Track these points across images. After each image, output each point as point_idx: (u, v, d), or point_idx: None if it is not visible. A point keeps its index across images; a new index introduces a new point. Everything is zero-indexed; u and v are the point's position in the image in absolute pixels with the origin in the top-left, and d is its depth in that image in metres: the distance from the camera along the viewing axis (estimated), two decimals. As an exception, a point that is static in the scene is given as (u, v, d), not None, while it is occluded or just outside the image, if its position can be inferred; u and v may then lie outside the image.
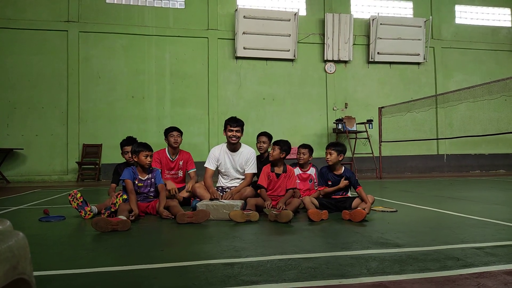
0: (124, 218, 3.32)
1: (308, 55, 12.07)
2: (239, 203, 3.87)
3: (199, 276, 1.94)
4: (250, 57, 11.58)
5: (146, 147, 3.95)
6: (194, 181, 4.76)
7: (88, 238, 2.99)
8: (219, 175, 4.81)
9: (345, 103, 12.22)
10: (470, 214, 3.83)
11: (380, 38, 12.14)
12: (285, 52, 11.65)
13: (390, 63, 12.55)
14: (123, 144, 4.55)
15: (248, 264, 2.14)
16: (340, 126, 11.26)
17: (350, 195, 4.21)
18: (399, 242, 2.65)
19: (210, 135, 11.26)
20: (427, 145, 12.65)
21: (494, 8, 13.81)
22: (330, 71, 12.16)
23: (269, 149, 4.47)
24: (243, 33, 11.23)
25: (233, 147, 4.61)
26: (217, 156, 4.67)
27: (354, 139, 11.58)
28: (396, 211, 4.13)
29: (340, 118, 11.45)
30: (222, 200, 3.99)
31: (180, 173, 5.06)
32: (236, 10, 11.23)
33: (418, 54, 12.52)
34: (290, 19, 11.48)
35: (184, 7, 11.47)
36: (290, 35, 11.54)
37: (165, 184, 4.48)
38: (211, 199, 4.07)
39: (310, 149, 4.64)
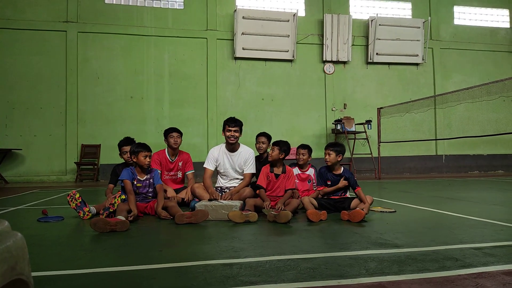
0: (122, 218, 3.31)
1: (307, 56, 12.08)
2: (238, 203, 3.86)
3: (198, 276, 1.94)
4: (249, 58, 11.58)
5: (145, 147, 3.95)
6: (192, 185, 4.74)
7: (87, 239, 2.99)
8: (218, 176, 4.81)
9: (344, 104, 12.24)
10: (468, 215, 3.84)
11: (379, 39, 12.15)
12: (284, 53, 11.66)
13: (389, 63, 12.57)
14: (121, 144, 4.54)
15: (247, 265, 2.13)
16: (339, 127, 11.26)
17: (349, 196, 4.21)
18: (398, 242, 2.65)
19: (209, 136, 11.26)
20: (426, 146, 12.66)
21: (492, 9, 13.84)
22: (329, 71, 12.18)
23: (268, 150, 4.47)
24: (242, 33, 11.24)
25: (232, 147, 4.61)
26: (216, 156, 4.67)
27: (353, 140, 11.59)
28: (395, 211, 4.13)
29: (339, 118, 11.46)
30: (221, 201, 3.99)
31: (179, 174, 5.05)
32: (235, 10, 11.23)
33: (417, 55, 12.53)
34: (289, 20, 11.49)
35: (183, 8, 11.47)
36: (289, 35, 11.55)
37: (165, 191, 4.49)
38: (210, 200, 4.07)
39: (309, 149, 4.64)
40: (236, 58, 11.56)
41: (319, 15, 12.21)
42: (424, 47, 12.58)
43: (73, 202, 3.88)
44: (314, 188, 4.53)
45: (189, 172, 5.05)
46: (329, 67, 12.17)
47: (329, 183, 4.14)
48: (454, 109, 11.14)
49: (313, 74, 12.14)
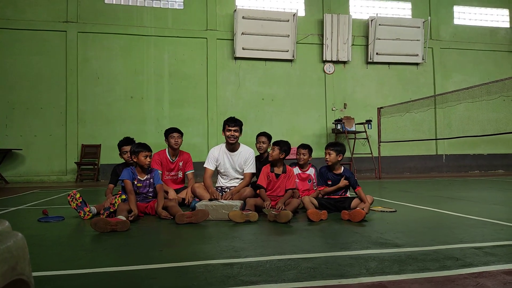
0: (123, 218, 3.31)
1: (307, 56, 12.08)
2: (238, 203, 3.86)
3: (198, 276, 1.94)
4: (249, 58, 11.59)
5: (145, 147, 3.95)
6: (192, 184, 4.73)
7: (87, 239, 2.99)
8: (218, 175, 4.81)
9: (344, 104, 12.23)
10: (469, 214, 3.84)
11: (379, 39, 12.15)
12: (284, 53, 11.66)
13: (388, 63, 12.57)
14: (121, 144, 4.53)
15: (248, 264, 2.13)
16: (339, 127, 11.26)
17: (349, 195, 4.21)
18: (398, 242, 2.65)
19: (209, 136, 11.26)
20: (426, 145, 12.66)
21: (492, 9, 13.84)
22: (329, 71, 12.18)
23: (269, 149, 4.47)
24: (242, 33, 11.24)
25: (232, 147, 4.61)
26: (216, 156, 4.68)
27: (353, 140, 11.59)
28: (395, 211, 4.13)
29: (339, 118, 11.46)
30: (221, 201, 3.99)
31: (180, 174, 5.06)
32: (235, 10, 11.23)
33: (417, 55, 12.53)
34: (289, 20, 11.49)
35: (183, 8, 11.47)
36: (289, 35, 11.55)
37: (167, 193, 4.50)
38: (210, 199, 4.07)
39: (309, 149, 4.64)
40: (236, 58, 11.56)
41: (319, 15, 12.21)
42: (424, 47, 12.58)
43: (74, 202, 3.88)
44: (315, 188, 4.53)
45: (189, 172, 5.05)
46: (329, 67, 12.17)
47: (329, 182, 4.14)
48: (454, 108, 11.13)
49: (313, 74, 12.14)
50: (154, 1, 11.37)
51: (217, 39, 11.52)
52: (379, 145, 10.58)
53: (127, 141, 4.50)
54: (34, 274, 1.20)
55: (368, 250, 2.42)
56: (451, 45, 13.15)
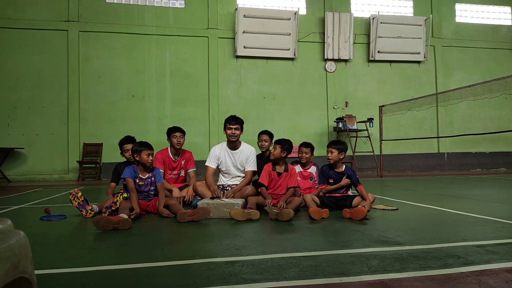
0: (125, 216, 3.32)
1: (308, 54, 12.06)
2: (240, 201, 3.87)
3: (200, 274, 1.94)
4: (250, 56, 11.58)
5: (147, 146, 3.96)
6: (193, 183, 4.74)
7: (89, 237, 2.99)
8: (220, 174, 4.81)
9: (346, 102, 12.22)
10: (471, 212, 3.83)
11: (381, 37, 12.12)
12: (285, 51, 11.65)
13: (390, 61, 12.54)
14: (122, 143, 4.53)
15: (249, 263, 2.14)
16: (340, 125, 11.25)
17: (351, 194, 4.21)
18: (400, 240, 2.65)
19: (211, 135, 11.27)
20: (428, 144, 12.64)
21: (494, 7, 13.79)
22: (331, 70, 12.16)
23: (271, 148, 4.47)
24: (243, 32, 11.23)
25: (233, 145, 4.62)
26: (217, 154, 4.68)
27: (355, 138, 11.58)
28: (397, 209, 4.13)
29: (341, 116, 11.45)
30: (223, 199, 3.99)
31: (182, 173, 5.06)
32: (236, 9, 11.22)
33: (419, 53, 12.50)
34: (290, 18, 11.47)
35: (184, 7, 11.47)
36: (290, 34, 11.53)
37: (171, 191, 4.50)
38: (212, 198, 4.07)
39: (312, 148, 4.65)
40: (238, 57, 11.56)
41: (320, 13, 12.18)
42: (426, 45, 12.55)
43: (76, 201, 3.89)
44: (316, 186, 4.53)
45: (191, 170, 5.05)
46: (330, 65, 12.15)
47: (331, 181, 4.14)
48: (456, 106, 11.11)
49: (315, 72, 12.12)
50: (155, 0, 11.36)
51: (218, 37, 11.52)
52: (381, 143, 10.56)
53: (128, 139, 4.51)
54: (36, 272, 1.21)
55: (370, 248, 2.43)
56: (453, 43, 13.11)
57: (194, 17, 11.44)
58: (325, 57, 12.02)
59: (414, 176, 10.39)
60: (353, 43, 12.18)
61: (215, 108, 11.36)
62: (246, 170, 4.61)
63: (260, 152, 4.90)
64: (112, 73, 10.88)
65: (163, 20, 11.25)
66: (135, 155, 3.95)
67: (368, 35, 12.38)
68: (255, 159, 4.66)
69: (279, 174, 4.16)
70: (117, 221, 3.16)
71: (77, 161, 10.35)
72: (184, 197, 4.64)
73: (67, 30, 10.62)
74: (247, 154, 4.63)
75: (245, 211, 3.57)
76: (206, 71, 11.42)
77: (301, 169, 4.62)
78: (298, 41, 11.74)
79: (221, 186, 4.70)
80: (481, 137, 11.98)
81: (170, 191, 4.61)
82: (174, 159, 4.95)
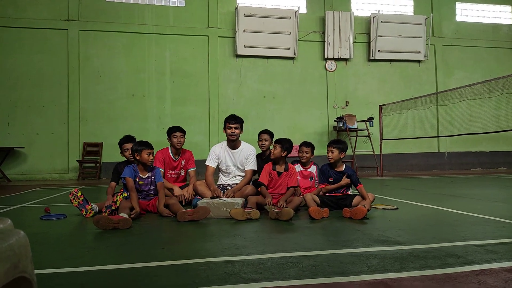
0: (125, 216, 3.32)
1: (308, 53, 12.05)
2: (240, 201, 3.87)
3: (200, 274, 1.95)
4: (250, 55, 11.57)
5: (148, 145, 3.96)
6: (194, 182, 4.73)
7: (89, 236, 2.99)
8: (220, 173, 4.81)
9: (346, 101, 12.21)
10: (471, 212, 3.83)
11: (381, 36, 12.11)
12: (286, 50, 11.64)
13: (390, 61, 12.54)
14: (122, 142, 4.52)
15: (249, 262, 2.14)
16: (340, 124, 11.25)
17: (351, 193, 4.21)
18: (400, 239, 2.65)
19: (211, 134, 11.26)
20: (428, 143, 12.63)
21: (494, 6, 13.78)
22: (331, 69, 12.15)
23: (271, 147, 4.47)
24: (244, 31, 11.22)
25: (233, 144, 4.62)
26: (217, 154, 4.68)
27: (355, 137, 11.57)
28: (397, 208, 4.13)
29: (341, 116, 11.44)
30: (223, 198, 3.99)
31: (182, 172, 5.05)
32: (236, 8, 11.21)
33: (419, 52, 12.49)
34: (290, 17, 11.46)
35: (184, 5, 11.46)
36: (290, 33, 11.52)
37: (172, 190, 4.50)
38: (212, 197, 4.07)
39: (312, 147, 4.65)
40: (238, 56, 11.55)
41: (320, 12, 12.17)
42: (426, 44, 12.54)
43: (75, 200, 3.89)
44: (316, 186, 4.54)
45: (191, 170, 5.05)
46: (330, 65, 12.14)
47: (331, 180, 4.14)
48: (456, 106, 11.10)
49: (315, 72, 12.12)
50: (155, -1, 11.37)
51: (219, 36, 11.51)
52: (381, 142, 10.56)
53: (128, 139, 4.50)
54: (36, 271, 1.21)
55: (370, 248, 2.43)
56: (453, 42, 13.10)
57: (194, 16, 11.44)
58: (325, 56, 12.01)
59: (414, 175, 10.39)
60: (354, 42, 12.17)
61: (215, 107, 11.35)
62: (246, 169, 4.61)
63: (261, 151, 4.90)
64: (112, 72, 10.88)
65: (163, 19, 11.24)
66: (136, 155, 3.95)
67: (369, 34, 12.37)
68: (255, 158, 4.66)
69: (279, 173, 4.16)
70: (117, 220, 3.16)
71: (77, 160, 10.35)
72: (185, 195, 4.63)
73: (67, 29, 10.62)
74: (247, 153, 4.63)
75: (245, 210, 3.57)
76: (206, 70, 11.41)
77: (301, 169, 4.62)
78: (298, 40, 11.73)
79: (221, 186, 4.70)
80: (481, 137, 11.98)
81: (171, 190, 4.60)
82: (174, 159, 4.94)
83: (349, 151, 10.44)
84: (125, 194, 3.90)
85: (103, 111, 10.76)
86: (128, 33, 10.99)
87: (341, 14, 11.85)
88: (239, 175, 4.68)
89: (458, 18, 13.38)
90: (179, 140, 4.85)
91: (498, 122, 9.55)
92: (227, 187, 4.59)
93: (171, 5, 11.40)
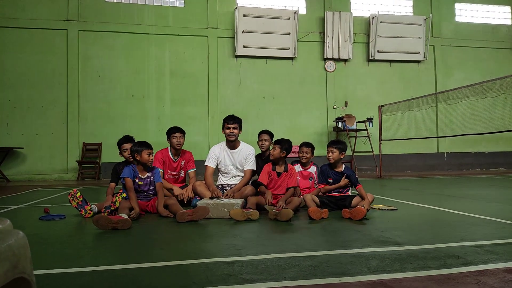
0: (124, 216, 3.32)
1: (308, 54, 12.06)
2: (239, 201, 3.87)
3: (200, 274, 1.94)
4: (250, 56, 11.57)
5: (147, 145, 3.96)
6: (193, 183, 4.72)
7: (89, 237, 2.99)
8: (219, 174, 4.81)
9: (345, 102, 12.22)
10: (470, 212, 3.83)
11: (380, 36, 12.12)
12: (285, 51, 11.64)
13: (390, 61, 12.54)
14: (121, 142, 4.50)
15: (249, 263, 2.14)
16: (340, 125, 11.25)
17: (351, 194, 4.21)
18: (399, 240, 2.65)
19: (210, 134, 11.26)
20: (427, 143, 12.64)
21: (494, 6, 13.79)
22: (330, 69, 12.16)
23: (271, 147, 4.47)
24: (243, 31, 11.22)
25: (232, 144, 4.62)
26: (217, 154, 4.68)
27: (354, 138, 11.58)
28: (396, 209, 4.13)
29: (340, 116, 11.45)
30: (222, 199, 3.99)
31: (182, 173, 5.04)
32: (236, 8, 11.21)
33: (418, 52, 12.50)
34: (290, 18, 11.47)
35: (183, 6, 11.46)
36: (290, 33, 11.53)
37: (171, 190, 4.50)
38: (211, 198, 4.07)
39: (312, 148, 4.65)
40: (237, 56, 11.55)
41: (320, 13, 12.18)
42: (426, 45, 12.55)
43: (74, 201, 3.89)
44: (316, 186, 4.54)
45: (191, 171, 5.04)
46: (330, 65, 12.15)
47: (330, 180, 4.14)
48: (455, 106, 11.11)
49: (314, 72, 12.12)
50: (154, -1, 11.37)
51: (218, 37, 11.51)
52: (380, 143, 10.56)
53: (127, 139, 4.49)
54: (36, 272, 1.21)
55: (369, 248, 2.43)
56: (453, 42, 13.11)
57: (193, 16, 11.44)
58: (325, 57, 12.01)
59: (414, 176, 10.40)
60: (353, 42, 12.17)
61: (214, 107, 11.35)
62: (245, 169, 4.61)
63: (260, 152, 4.90)
64: (111, 72, 10.87)
65: (163, 20, 11.24)
66: (136, 155, 3.94)
67: (368, 35, 12.38)
68: (254, 159, 4.66)
69: (278, 174, 4.16)
70: (116, 220, 3.16)
71: (76, 160, 10.35)
72: (185, 194, 4.63)
73: (66, 29, 10.61)
74: (246, 153, 4.63)
75: (245, 211, 3.57)
76: (206, 71, 11.41)
77: (301, 169, 4.62)
78: (297, 41, 11.74)
79: (220, 186, 4.69)
80: (481, 137, 11.99)
81: (171, 190, 4.60)
82: (174, 160, 4.93)
83: (349, 152, 10.44)
84: (124, 195, 3.89)
85: (103, 112, 10.75)
86: (127, 34, 10.99)
87: (340, 15, 11.86)
88: (238, 175, 4.68)
89: (458, 18, 13.39)
90: (178, 140, 4.83)
91: (497, 122, 9.56)
92: (226, 188, 4.59)
93: (170, 5, 11.40)
